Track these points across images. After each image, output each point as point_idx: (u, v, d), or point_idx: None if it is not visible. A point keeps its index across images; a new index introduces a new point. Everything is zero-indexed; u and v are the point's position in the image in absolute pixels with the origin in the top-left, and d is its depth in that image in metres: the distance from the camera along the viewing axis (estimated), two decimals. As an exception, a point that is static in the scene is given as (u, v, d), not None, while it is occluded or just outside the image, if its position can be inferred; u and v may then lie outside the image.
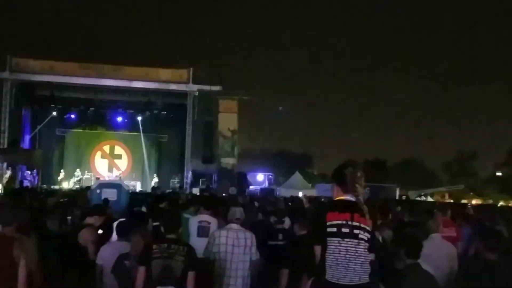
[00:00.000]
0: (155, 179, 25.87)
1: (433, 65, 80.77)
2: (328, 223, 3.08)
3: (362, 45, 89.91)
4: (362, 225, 3.09)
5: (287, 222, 6.80)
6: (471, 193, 45.95)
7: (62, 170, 25.95)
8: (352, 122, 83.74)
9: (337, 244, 3.05)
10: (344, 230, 3.06)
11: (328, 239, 3.06)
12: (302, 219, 5.37)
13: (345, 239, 3.05)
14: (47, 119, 26.19)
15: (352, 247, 3.04)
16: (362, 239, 3.07)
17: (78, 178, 25.27)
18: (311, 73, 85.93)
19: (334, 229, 3.06)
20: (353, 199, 3.16)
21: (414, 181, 45.47)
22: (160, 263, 4.09)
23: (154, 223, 6.55)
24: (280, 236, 5.97)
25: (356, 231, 3.06)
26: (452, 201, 35.70)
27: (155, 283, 4.06)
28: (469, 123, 72.24)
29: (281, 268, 4.84)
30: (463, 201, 37.45)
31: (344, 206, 3.13)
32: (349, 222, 3.07)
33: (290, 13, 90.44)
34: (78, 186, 23.38)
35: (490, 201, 40.05)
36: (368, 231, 3.11)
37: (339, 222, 3.07)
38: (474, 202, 38.05)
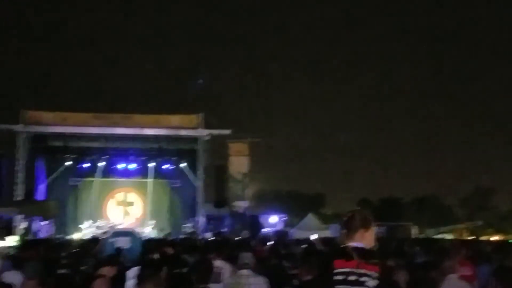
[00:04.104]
0: (164, 225, 25.85)
1: (450, 100, 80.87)
2: (335, 271, 3.08)
3: (373, 82, 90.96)
4: (369, 272, 3.07)
5: None
6: (490, 229, 44.90)
7: (76, 219, 26.02)
8: (364, 160, 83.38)
9: None
10: (350, 278, 3.05)
11: (336, 287, 3.06)
12: (308, 264, 5.10)
13: (353, 287, 3.04)
14: (60, 169, 26.55)
15: None
16: (368, 286, 3.05)
17: (91, 227, 25.25)
18: (322, 112, 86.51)
19: (341, 277, 3.06)
20: (360, 245, 3.16)
21: (430, 219, 44.67)
22: None
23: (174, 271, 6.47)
24: (296, 282, 5.79)
25: (362, 279, 3.05)
26: (470, 238, 34.83)
27: None
28: (487, 158, 71.17)
29: None
30: (483, 237, 36.53)
31: (351, 253, 3.13)
32: (356, 270, 3.06)
33: (300, 53, 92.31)
34: (90, 236, 23.35)
35: (511, 237, 39.01)
36: (376, 278, 3.08)
37: (347, 270, 3.07)
38: (494, 238, 37.08)
